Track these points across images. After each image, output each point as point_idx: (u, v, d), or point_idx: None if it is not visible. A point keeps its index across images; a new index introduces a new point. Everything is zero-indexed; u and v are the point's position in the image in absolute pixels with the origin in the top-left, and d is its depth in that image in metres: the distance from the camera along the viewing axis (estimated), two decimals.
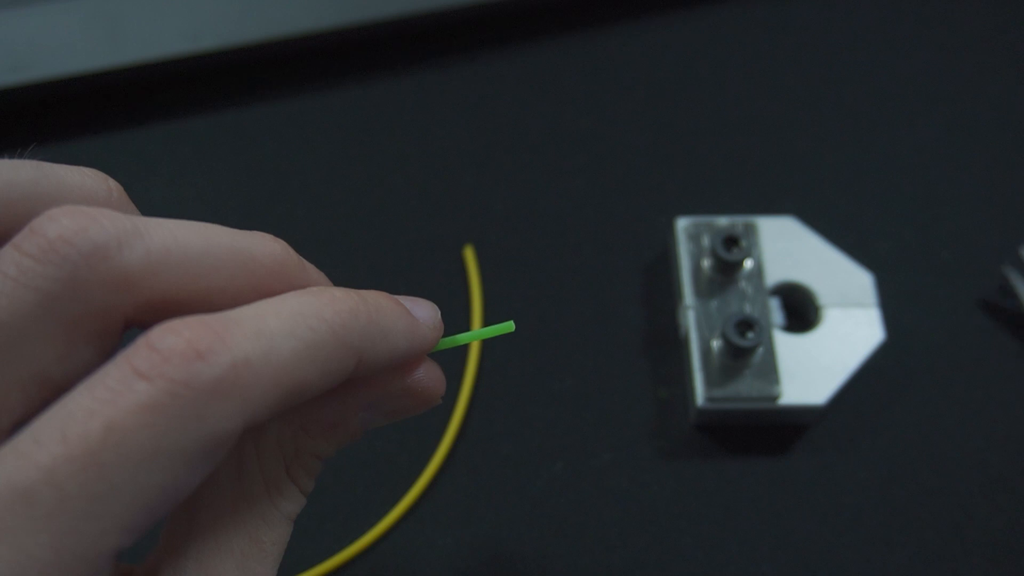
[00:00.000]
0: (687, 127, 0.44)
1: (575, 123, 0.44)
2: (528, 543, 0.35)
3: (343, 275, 0.40)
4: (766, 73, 0.45)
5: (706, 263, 0.38)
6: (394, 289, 0.39)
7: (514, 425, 0.37)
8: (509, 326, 0.36)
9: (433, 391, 0.25)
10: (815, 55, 0.46)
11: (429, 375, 0.25)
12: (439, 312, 0.25)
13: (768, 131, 0.44)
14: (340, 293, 0.23)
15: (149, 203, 0.41)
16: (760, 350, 0.36)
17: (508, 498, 0.36)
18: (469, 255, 0.40)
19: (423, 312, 0.25)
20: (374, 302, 0.24)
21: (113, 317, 0.20)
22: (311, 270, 0.25)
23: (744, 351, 0.36)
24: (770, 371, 0.36)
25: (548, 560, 0.35)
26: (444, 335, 0.26)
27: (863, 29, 0.47)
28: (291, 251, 0.24)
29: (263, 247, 0.23)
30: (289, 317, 0.21)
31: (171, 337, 0.19)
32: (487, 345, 0.38)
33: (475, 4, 0.44)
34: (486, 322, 0.39)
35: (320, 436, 0.24)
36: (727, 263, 0.37)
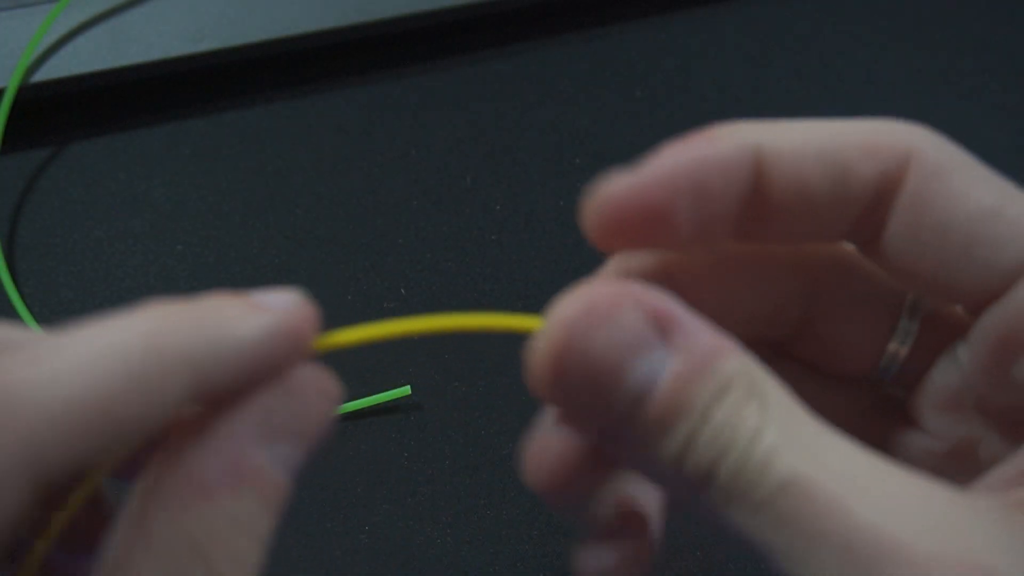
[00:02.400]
0: (687, 127, 0.44)
1: (575, 123, 0.44)
2: (528, 543, 0.35)
3: (342, 275, 0.40)
4: (766, 73, 0.45)
5: None
6: (392, 288, 0.40)
7: (514, 425, 0.37)
8: (405, 391, 0.36)
9: (321, 383, 0.21)
10: (814, 56, 0.46)
11: (309, 373, 0.21)
12: (302, 298, 0.21)
13: None
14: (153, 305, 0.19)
15: (149, 203, 0.41)
16: None
17: (508, 498, 0.36)
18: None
19: (277, 300, 0.21)
20: (200, 304, 0.19)
21: None
22: None
23: None
24: None
25: (548, 560, 0.35)
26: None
27: (861, 30, 0.47)
28: None
29: None
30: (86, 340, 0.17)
31: None
32: (487, 345, 0.39)
33: (475, 4, 0.44)
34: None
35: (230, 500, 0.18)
36: None
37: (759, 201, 0.22)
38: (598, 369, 0.19)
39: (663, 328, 0.19)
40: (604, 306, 0.19)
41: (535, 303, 0.40)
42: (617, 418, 0.19)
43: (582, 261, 0.41)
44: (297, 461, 0.19)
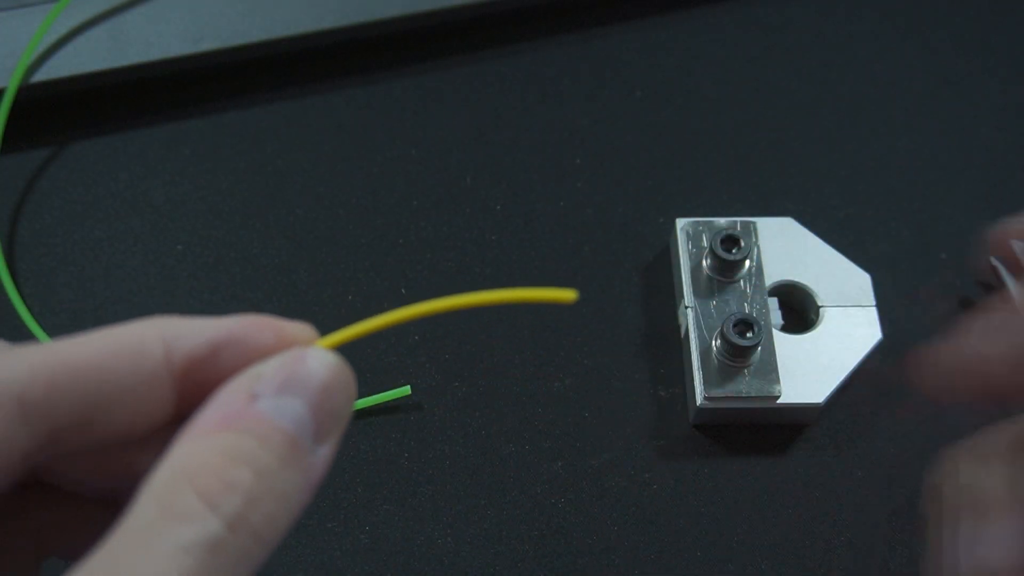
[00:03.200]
0: (687, 127, 0.44)
1: (575, 123, 0.44)
2: (528, 543, 0.35)
3: (342, 275, 0.40)
4: (765, 74, 0.46)
5: (705, 263, 0.38)
6: (392, 288, 0.40)
7: (514, 425, 0.37)
8: (405, 391, 0.36)
9: (318, 352, 0.24)
10: (814, 56, 0.46)
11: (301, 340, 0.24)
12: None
13: (767, 132, 0.44)
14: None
15: (149, 203, 0.41)
16: (759, 350, 0.36)
17: (508, 498, 0.36)
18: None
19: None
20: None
21: None
22: None
23: (743, 351, 0.36)
24: (769, 371, 0.36)
25: (548, 560, 0.35)
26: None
27: (861, 30, 0.47)
28: None
29: None
30: None
31: None
32: (487, 345, 0.39)
33: (475, 4, 0.44)
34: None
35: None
36: (726, 263, 0.37)
37: None
38: None
39: None
40: None
41: (535, 303, 0.40)
42: None
43: (582, 261, 0.41)
44: (299, 412, 0.22)
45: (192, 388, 0.23)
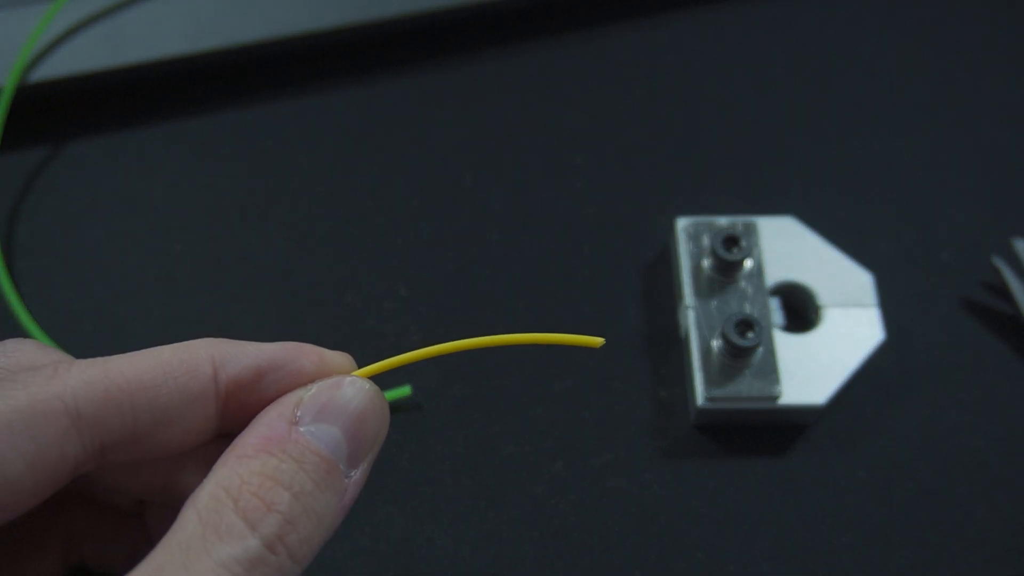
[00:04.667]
0: (687, 127, 0.44)
1: (575, 123, 0.44)
2: (528, 543, 0.35)
3: (341, 275, 0.40)
4: (766, 73, 0.45)
5: (706, 263, 0.38)
6: (392, 288, 0.40)
7: (514, 425, 0.37)
8: (405, 391, 0.37)
9: (353, 380, 0.25)
10: (814, 55, 0.46)
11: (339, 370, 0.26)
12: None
13: (768, 131, 0.44)
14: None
15: (148, 203, 0.41)
16: (760, 350, 0.36)
17: (508, 498, 0.36)
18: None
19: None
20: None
21: None
22: None
23: (744, 351, 0.36)
24: (770, 371, 0.36)
25: (548, 560, 0.35)
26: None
27: (862, 29, 0.47)
28: None
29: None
30: None
31: None
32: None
33: (475, 4, 0.44)
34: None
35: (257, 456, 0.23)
36: (727, 263, 0.37)
37: None
38: None
39: None
40: None
41: (535, 304, 0.40)
42: None
43: (582, 261, 0.41)
44: (336, 438, 0.24)
45: (235, 408, 0.25)
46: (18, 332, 0.37)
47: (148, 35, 0.42)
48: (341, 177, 0.42)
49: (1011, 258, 0.40)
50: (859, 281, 0.39)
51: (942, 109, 0.45)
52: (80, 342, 0.38)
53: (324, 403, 0.24)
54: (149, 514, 0.28)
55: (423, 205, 0.42)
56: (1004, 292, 0.40)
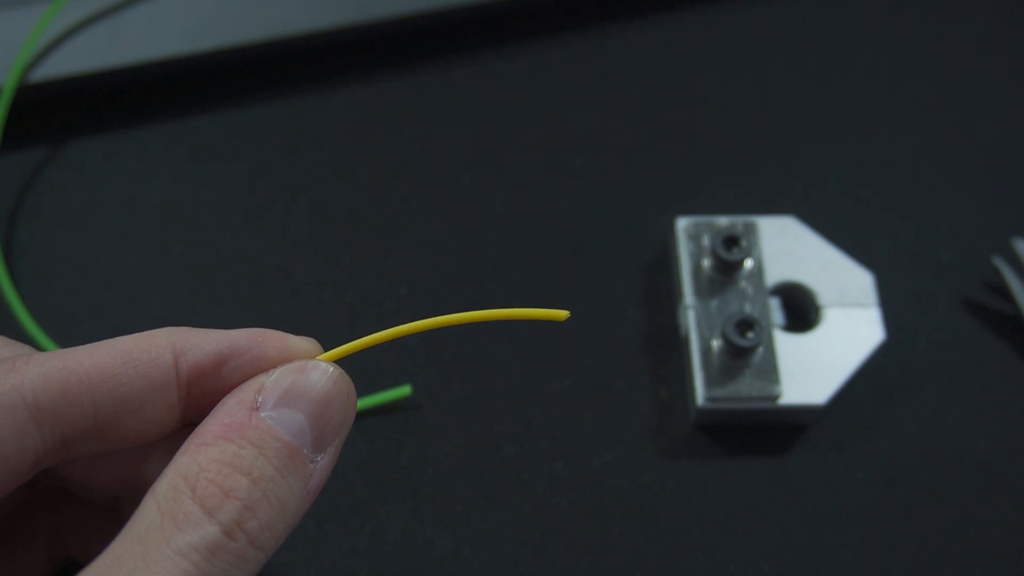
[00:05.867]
0: (687, 127, 0.44)
1: (575, 123, 0.44)
2: (528, 543, 0.35)
3: (341, 276, 0.40)
4: (766, 73, 0.45)
5: (706, 263, 0.38)
6: (392, 288, 0.40)
7: (514, 425, 0.37)
8: (405, 391, 0.36)
9: (316, 365, 0.25)
10: (815, 55, 0.46)
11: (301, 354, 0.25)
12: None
13: (768, 131, 0.44)
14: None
15: (148, 203, 0.41)
16: (760, 350, 0.36)
17: (508, 498, 0.36)
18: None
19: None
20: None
21: None
22: None
23: (744, 351, 0.36)
24: (770, 371, 0.36)
25: (548, 560, 0.35)
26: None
27: (862, 29, 0.47)
28: None
29: None
30: None
31: None
32: (487, 345, 0.38)
33: (475, 4, 0.44)
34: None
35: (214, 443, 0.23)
36: (727, 263, 0.37)
37: None
38: None
39: None
40: None
41: (535, 303, 0.40)
42: None
43: (582, 261, 0.41)
44: (298, 423, 0.23)
45: (198, 397, 0.24)
46: (18, 332, 0.37)
47: (148, 35, 0.42)
48: (341, 177, 0.42)
49: (1011, 258, 0.40)
50: (859, 281, 0.39)
51: (942, 109, 0.45)
52: (80, 342, 0.38)
53: (286, 388, 0.24)
54: (125, 508, 0.28)
55: (423, 205, 0.42)
56: (1004, 292, 0.40)
